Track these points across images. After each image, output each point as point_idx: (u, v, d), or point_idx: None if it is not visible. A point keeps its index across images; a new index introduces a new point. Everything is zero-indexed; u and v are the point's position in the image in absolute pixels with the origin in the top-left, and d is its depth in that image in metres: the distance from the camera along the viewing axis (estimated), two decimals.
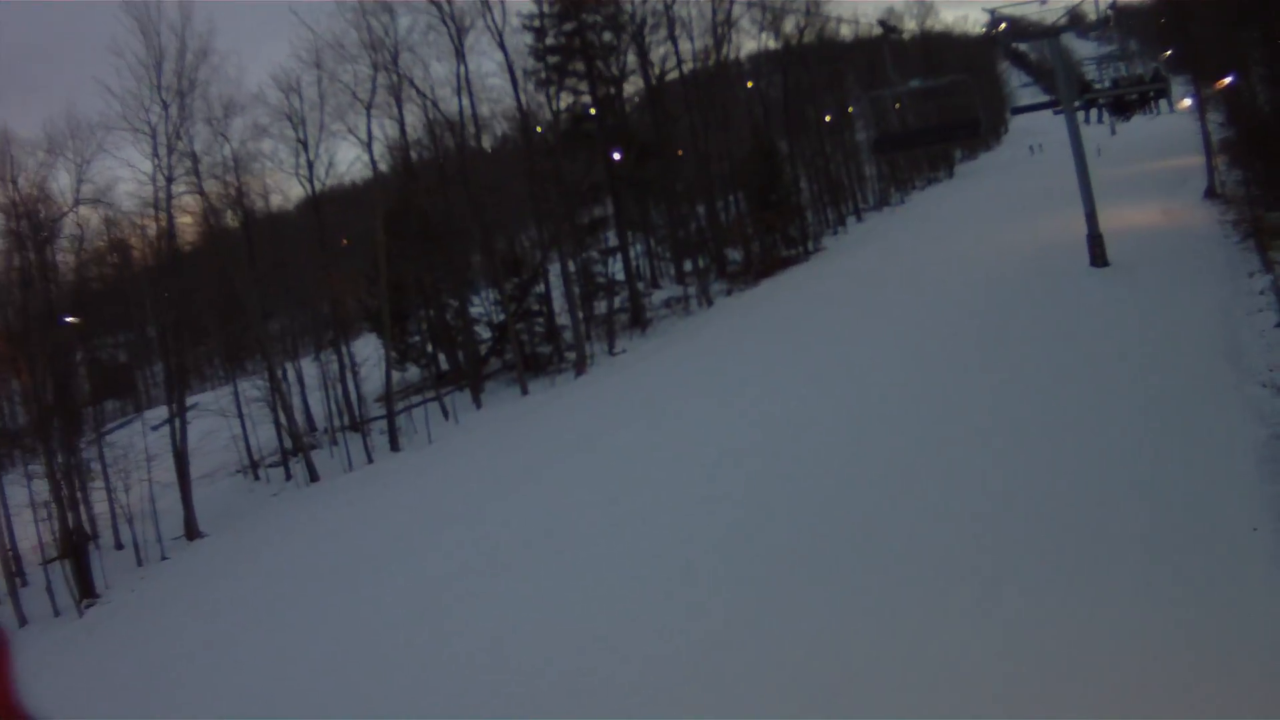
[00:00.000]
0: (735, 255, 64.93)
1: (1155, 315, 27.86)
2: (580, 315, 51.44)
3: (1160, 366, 22.77)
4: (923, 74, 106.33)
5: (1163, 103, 40.70)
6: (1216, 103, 49.86)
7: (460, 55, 49.82)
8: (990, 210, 62.77)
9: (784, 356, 36.99)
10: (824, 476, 21.41)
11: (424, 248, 50.09)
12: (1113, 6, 39.19)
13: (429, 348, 55.18)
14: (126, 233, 50.89)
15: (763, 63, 79.17)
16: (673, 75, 65.36)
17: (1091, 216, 36.94)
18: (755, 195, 66.22)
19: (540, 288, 54.26)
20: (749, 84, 78.98)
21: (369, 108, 48.02)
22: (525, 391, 47.46)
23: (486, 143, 57.33)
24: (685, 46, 66.58)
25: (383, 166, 54.40)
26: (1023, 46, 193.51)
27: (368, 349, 53.77)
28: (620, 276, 57.52)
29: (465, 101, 50.75)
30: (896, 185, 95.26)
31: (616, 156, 55.99)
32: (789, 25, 76.42)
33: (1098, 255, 36.62)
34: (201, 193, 45.52)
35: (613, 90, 59.46)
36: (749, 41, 76.94)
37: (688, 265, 63.24)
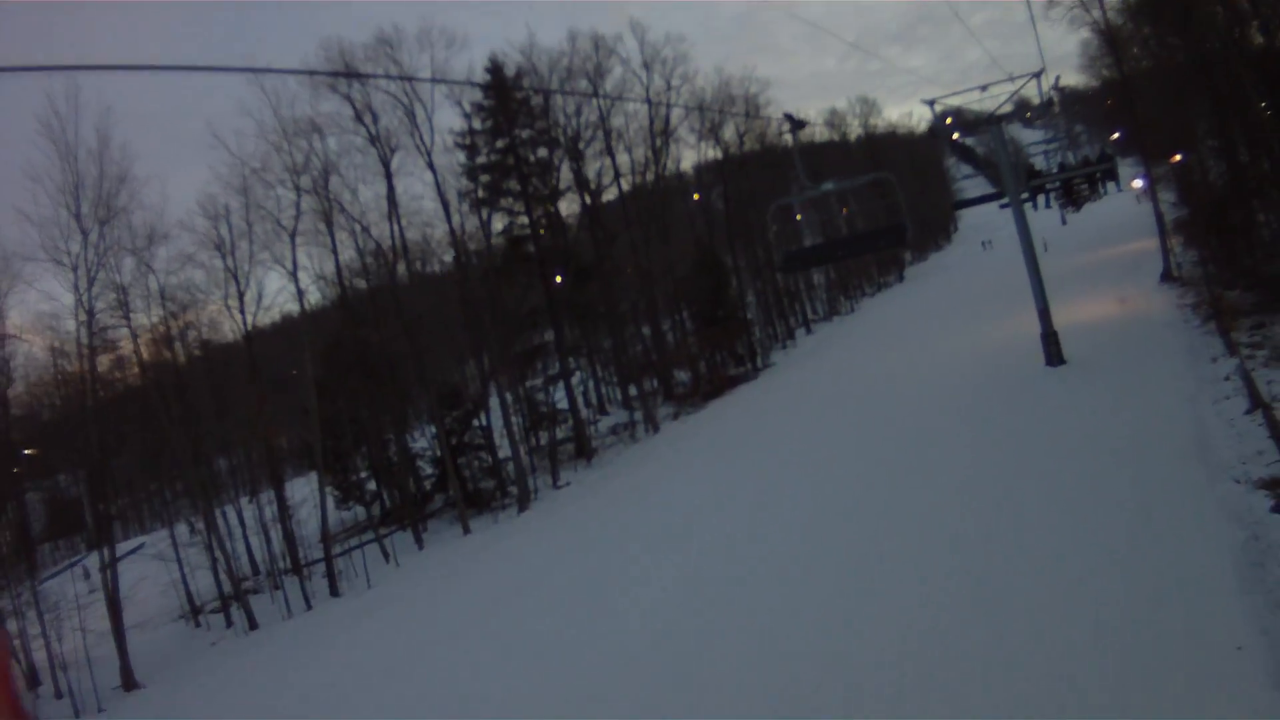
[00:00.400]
0: (684, 375, 63.19)
1: (1117, 412, 26.23)
2: (522, 448, 49.38)
3: (1125, 468, 21.12)
4: (867, 171, 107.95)
5: (1111, 185, 38.92)
6: (1167, 182, 49.13)
7: (389, 178, 48.41)
8: (942, 313, 61.72)
9: (731, 481, 35.00)
10: (772, 608, 19.72)
11: (362, 381, 48.10)
12: (1056, 88, 37.61)
13: (372, 485, 52.57)
14: (46, 371, 47.78)
15: (705, 174, 77.80)
16: (611, 191, 64.07)
17: (1044, 314, 35.33)
18: (700, 312, 64.51)
19: (481, 420, 51.75)
20: (695, 196, 77.58)
21: (293, 235, 45.87)
22: (467, 530, 45.08)
23: (422, 267, 55.07)
24: (623, 160, 65.54)
25: (315, 296, 52.23)
26: (968, 140, 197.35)
27: (309, 488, 50.92)
28: (565, 404, 55.43)
29: (395, 227, 49.49)
30: (846, 293, 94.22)
31: (557, 279, 53.95)
32: (729, 133, 75.48)
33: (1054, 354, 34.89)
34: (129, 327, 43.21)
35: (550, 209, 57.67)
36: (689, 152, 74.53)
37: (635, 389, 61.21)
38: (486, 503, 48.56)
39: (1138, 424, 24.24)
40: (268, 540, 47.15)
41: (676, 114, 67.54)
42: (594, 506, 41.17)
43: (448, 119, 70.66)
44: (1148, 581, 14.93)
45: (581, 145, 60.61)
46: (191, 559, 44.87)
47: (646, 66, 64.81)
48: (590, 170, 62.58)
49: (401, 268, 50.31)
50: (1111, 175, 37.74)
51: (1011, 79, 37.98)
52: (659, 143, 66.00)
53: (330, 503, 48.45)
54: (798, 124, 24.76)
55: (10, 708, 2.71)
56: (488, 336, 50.22)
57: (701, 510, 31.69)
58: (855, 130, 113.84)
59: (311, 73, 47.13)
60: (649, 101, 64.56)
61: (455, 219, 51.52)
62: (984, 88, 38.18)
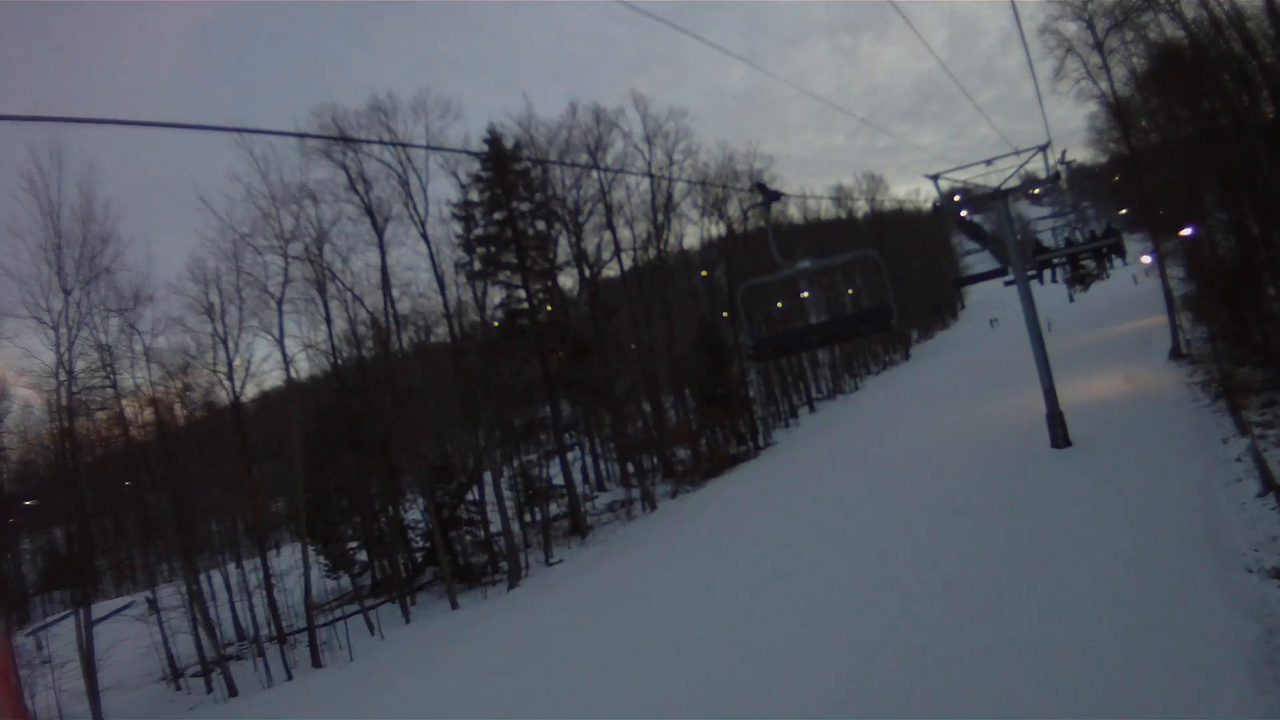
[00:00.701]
0: (685, 453, 62.03)
1: (1123, 498, 25.04)
2: (515, 524, 48.26)
3: (1133, 557, 20.02)
4: (874, 248, 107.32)
5: (1117, 261, 38.19)
6: (1176, 257, 48.33)
7: (381, 247, 47.88)
8: (947, 392, 60.64)
9: (726, 566, 33.60)
10: (760, 700, 18.70)
11: (354, 452, 47.06)
12: (1063, 162, 36.78)
13: (363, 555, 51.01)
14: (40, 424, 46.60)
15: (708, 250, 77.08)
16: (612, 266, 63.23)
17: (1050, 395, 34.32)
18: (701, 390, 63.38)
19: (475, 494, 50.37)
20: (703, 273, 76.81)
21: (280, 303, 44.56)
22: (455, 605, 43.73)
23: (416, 339, 54.05)
24: (625, 234, 64.82)
25: (306, 365, 51.44)
26: (975, 217, 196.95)
27: (297, 555, 49.62)
28: (563, 480, 54.24)
29: (388, 300, 48.73)
30: (851, 372, 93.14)
31: (557, 354, 53.07)
32: (733, 209, 74.87)
33: (1059, 436, 33.85)
34: (114, 388, 41.82)
35: (548, 283, 56.85)
36: (692, 228, 73.85)
37: (633, 466, 60.12)
38: (478, 578, 47.13)
39: (1145, 510, 23.18)
40: (251, 607, 45.49)
41: (679, 189, 67.10)
42: (585, 586, 39.92)
43: (444, 189, 70.04)
44: (1156, 683, 13.87)
45: (581, 219, 59.87)
46: (174, 622, 43.09)
47: (649, 140, 64.36)
48: (591, 244, 61.99)
49: (395, 339, 49.15)
50: (1118, 250, 37.04)
51: (1017, 153, 37.09)
52: (660, 218, 65.35)
53: (318, 571, 47.47)
54: (770, 195, 23.09)
55: (13, 708, 2.67)
56: (482, 410, 49.09)
57: (694, 595, 30.41)
58: (862, 207, 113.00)
59: (301, 135, 46.63)
60: (650, 175, 64.00)
61: (451, 291, 50.90)
62: (989, 162, 37.16)
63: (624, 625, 29.50)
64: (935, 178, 37.51)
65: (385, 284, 47.96)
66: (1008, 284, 38.74)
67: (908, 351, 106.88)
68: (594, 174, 59.94)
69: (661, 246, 65.36)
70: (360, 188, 47.82)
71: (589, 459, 62.45)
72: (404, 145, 48.61)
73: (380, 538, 49.64)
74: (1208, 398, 35.24)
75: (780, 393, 77.78)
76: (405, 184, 48.35)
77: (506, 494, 49.43)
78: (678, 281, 72.08)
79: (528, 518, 52.26)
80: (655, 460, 60.95)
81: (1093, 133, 59.75)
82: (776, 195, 19.43)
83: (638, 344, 61.54)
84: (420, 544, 50.85)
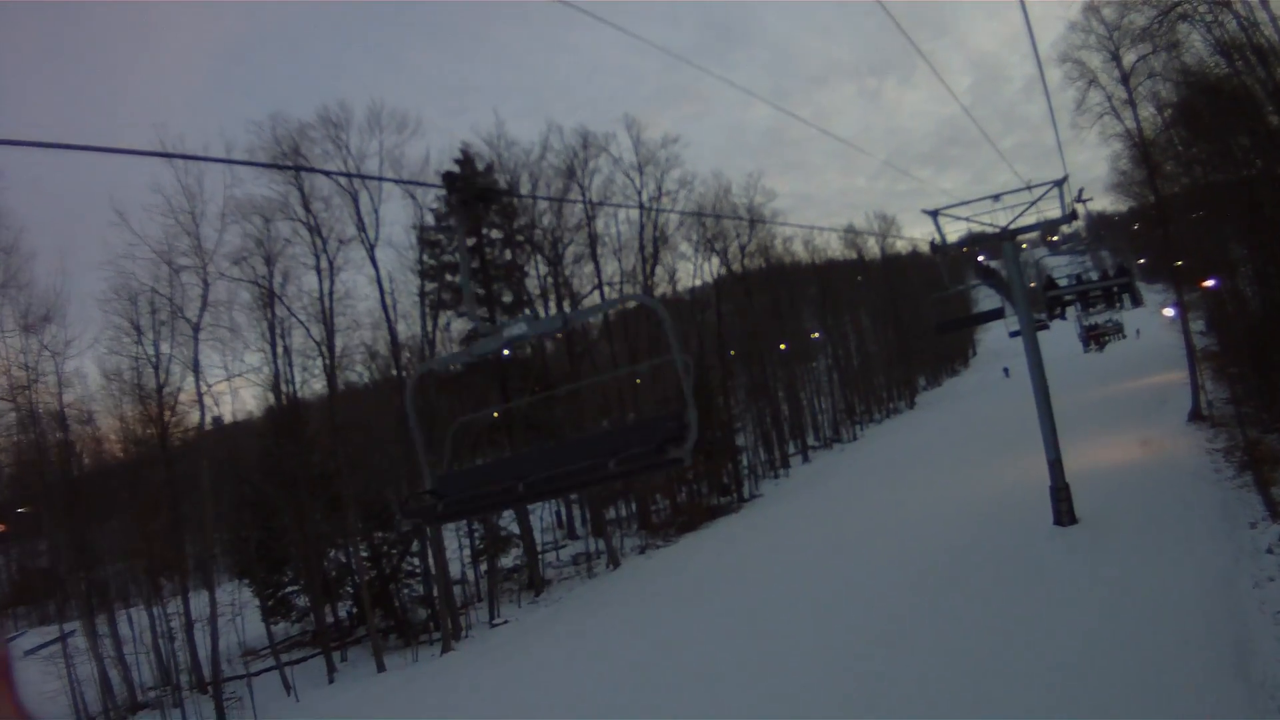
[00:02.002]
0: (666, 500, 57.65)
1: (1134, 595, 21.38)
2: (465, 576, 44.32)
3: (1142, 678, 16.76)
4: (884, 292, 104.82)
5: (1131, 322, 34.73)
6: (1198, 309, 44.68)
7: (323, 271, 43.77)
8: (947, 448, 56.14)
9: (680, 643, 29.69)
10: None
11: (291, 491, 42.67)
12: (1081, 200, 32.55)
13: (303, 600, 46.34)
14: None
15: (705, 289, 72.52)
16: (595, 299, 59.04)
17: (1055, 466, 29.86)
18: None
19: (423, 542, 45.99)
20: (717, 308, 72.30)
21: (196, 329, 39.41)
22: (381, 668, 39.28)
23: (370, 372, 49.90)
24: (612, 267, 60.56)
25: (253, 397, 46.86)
26: (992, 263, 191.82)
27: (236, 596, 45.45)
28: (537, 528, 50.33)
29: (330, 325, 44.23)
30: (853, 418, 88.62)
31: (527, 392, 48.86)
32: (729, 245, 70.73)
33: (1063, 511, 29.46)
34: (15, 409, 38.05)
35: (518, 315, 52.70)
36: (686, 264, 69.48)
37: (610, 513, 55.65)
38: (417, 634, 42.71)
39: (1158, 616, 19.55)
40: (161, 652, 41.18)
41: (672, 221, 63.09)
42: (527, 652, 35.84)
43: (400, 211, 65.07)
44: None
45: (561, 249, 55.73)
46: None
47: (640, 168, 60.45)
48: (575, 276, 57.87)
49: (334, 371, 44.91)
50: (1129, 289, 33.41)
51: (1030, 188, 32.46)
52: (649, 250, 61.22)
53: (256, 615, 44.04)
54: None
55: (14, 709, 2.32)
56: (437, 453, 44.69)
57: (639, 673, 27.11)
58: (873, 249, 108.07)
59: (229, 161, 42.58)
60: (640, 207, 60.03)
61: (414, 321, 46.89)
62: (997, 197, 32.54)
63: (560, 703, 26.36)
64: (935, 214, 32.97)
65: (329, 311, 43.80)
66: (1013, 335, 34.78)
67: (913, 400, 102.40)
68: (579, 202, 56.17)
69: (648, 281, 61.15)
70: (311, 206, 43.81)
71: (560, 504, 57.85)
72: (355, 175, 45.34)
73: (325, 583, 45.41)
74: (1232, 468, 31.69)
75: (776, 440, 73.09)
76: (356, 203, 44.32)
77: (456, 545, 45.22)
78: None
79: (481, 570, 48.21)
80: (634, 508, 56.69)
81: (1116, 174, 55.57)
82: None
83: (615, 381, 57.43)
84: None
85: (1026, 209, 32.30)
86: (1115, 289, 33.70)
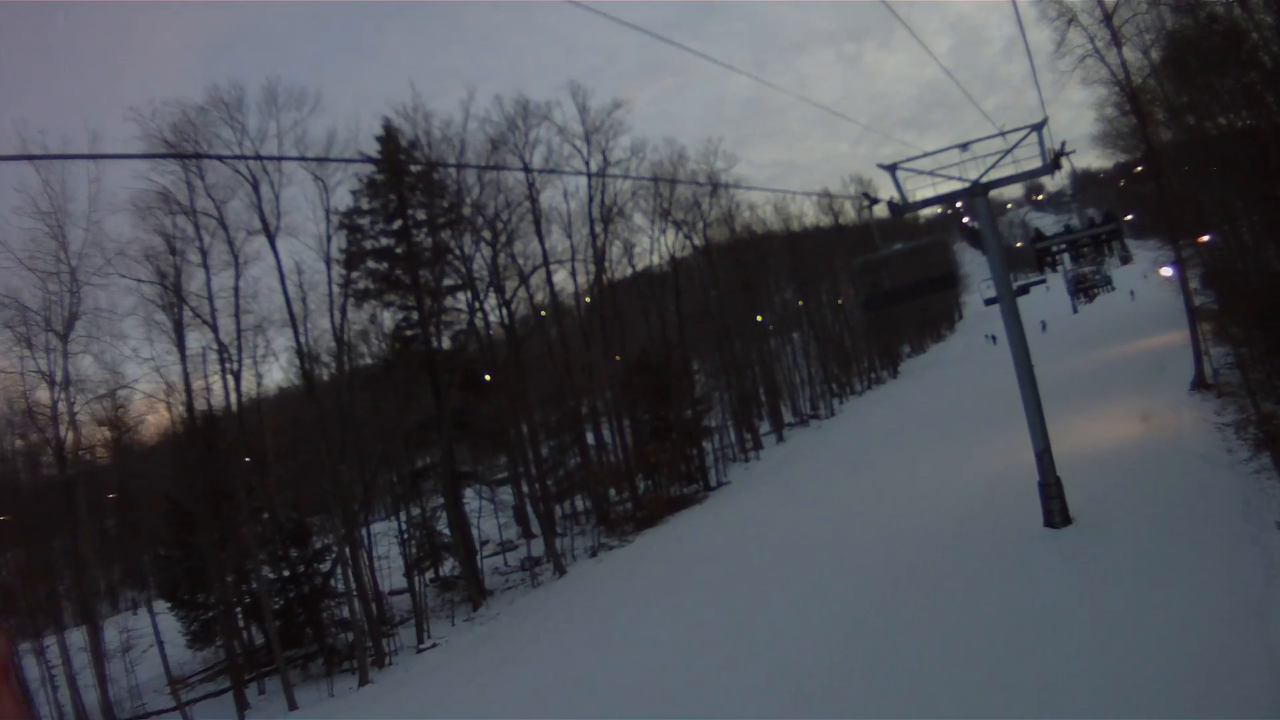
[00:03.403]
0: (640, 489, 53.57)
1: (1141, 617, 17.74)
2: (389, 591, 40.76)
3: None
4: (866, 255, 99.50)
5: (1118, 267, 30.92)
6: (1193, 266, 40.50)
7: (210, 269, 38.62)
8: (929, 423, 51.60)
9: (623, 655, 27.09)
10: None
11: (205, 506, 38.19)
12: (1063, 153, 27.59)
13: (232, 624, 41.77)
14: None
15: (671, 266, 67.71)
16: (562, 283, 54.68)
17: (1044, 457, 25.27)
18: (642, 422, 54.36)
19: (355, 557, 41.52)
20: (675, 282, 67.60)
21: (65, 336, 35.06)
22: (293, 706, 34.84)
23: (288, 375, 44.99)
24: (562, 244, 55.93)
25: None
26: (977, 224, 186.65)
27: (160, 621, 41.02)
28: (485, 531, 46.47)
29: (239, 323, 39.36)
30: (834, 389, 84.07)
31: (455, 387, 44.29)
32: (680, 212, 65.93)
33: (1055, 511, 24.90)
34: None
35: (475, 303, 48.36)
36: (646, 239, 64.40)
37: (570, 507, 52.25)
38: (341, 661, 38.44)
39: (1174, 647, 15.91)
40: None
41: (624, 192, 58.47)
42: (448, 685, 31.65)
43: (301, 198, 59.38)
44: None
45: (500, 228, 50.98)
46: None
47: (586, 136, 55.70)
48: (524, 256, 53.30)
49: (251, 377, 40.35)
50: (1117, 236, 29.20)
51: (1004, 134, 27.28)
52: (599, 227, 56.60)
53: (181, 641, 40.69)
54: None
55: (15, 709, 2.45)
56: (338, 457, 40.58)
57: (571, 705, 23.78)
58: (850, 214, 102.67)
59: (92, 156, 37.71)
60: (588, 174, 55.50)
61: (335, 315, 42.05)
62: (965, 146, 27.48)
63: None
64: (892, 168, 28.02)
65: (236, 309, 39.26)
66: (989, 303, 30.80)
67: (896, 368, 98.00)
68: (521, 177, 51.53)
69: (600, 259, 56.61)
70: (213, 195, 39.06)
71: (502, 506, 53.16)
72: (264, 157, 39.88)
73: (247, 606, 40.96)
74: (1246, 447, 27.15)
75: (747, 417, 68.54)
76: (256, 190, 39.60)
77: (385, 556, 40.88)
78: (630, 300, 63.40)
79: (430, 578, 44.11)
80: (590, 505, 52.40)
81: (1102, 123, 50.74)
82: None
83: (570, 370, 53.02)
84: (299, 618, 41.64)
85: (1001, 158, 27.18)
86: (1104, 237, 29.25)
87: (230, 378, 39.63)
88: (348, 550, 39.31)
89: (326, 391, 43.00)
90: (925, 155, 27.84)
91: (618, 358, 57.33)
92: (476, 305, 49.18)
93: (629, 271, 63.23)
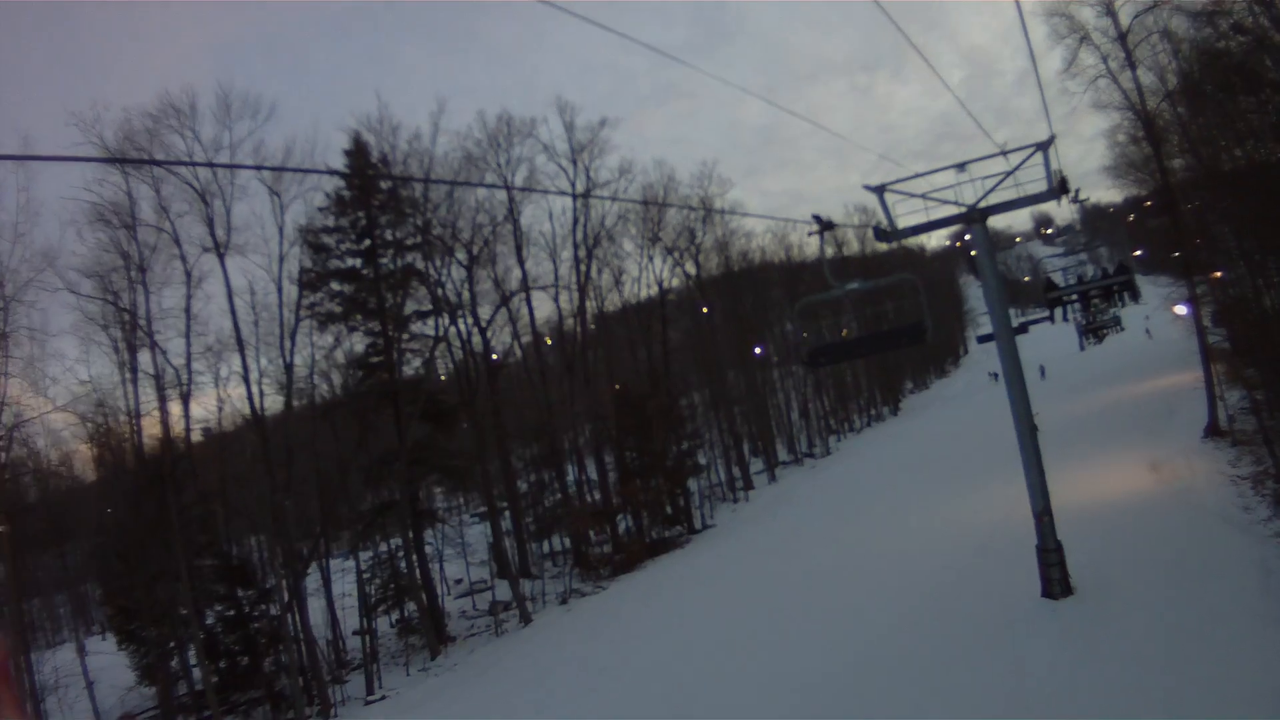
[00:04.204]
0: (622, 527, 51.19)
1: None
2: (347, 632, 37.49)
3: None
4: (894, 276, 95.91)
5: (1129, 314, 28.89)
6: (1206, 303, 38.19)
7: (148, 289, 36.29)
8: (925, 467, 48.66)
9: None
10: None
11: (153, 540, 35.99)
12: (1077, 200, 25.01)
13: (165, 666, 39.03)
14: None
15: (660, 295, 65.17)
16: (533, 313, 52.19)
17: (1044, 519, 22.41)
18: (624, 460, 51.72)
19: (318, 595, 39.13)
20: (661, 313, 64.95)
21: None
22: None
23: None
24: (545, 268, 53.61)
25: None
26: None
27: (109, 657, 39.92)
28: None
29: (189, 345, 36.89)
30: (832, 426, 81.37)
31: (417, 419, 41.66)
32: (670, 235, 63.21)
33: (1054, 581, 22.09)
34: None
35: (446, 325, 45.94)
36: (632, 265, 61.95)
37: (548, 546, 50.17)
38: (284, 711, 35.73)
39: None
40: None
41: (611, 215, 55.98)
42: None
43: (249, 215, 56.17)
44: None
45: (476, 251, 48.50)
46: None
47: (573, 156, 53.36)
48: (506, 281, 50.89)
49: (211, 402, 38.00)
50: (1129, 288, 26.81)
51: (1005, 153, 24.33)
52: (581, 252, 54.11)
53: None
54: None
55: (14, 709, 2.54)
56: (323, 489, 38.19)
57: None
58: (856, 244, 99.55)
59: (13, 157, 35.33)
60: (573, 195, 53.02)
61: (287, 343, 39.51)
62: (962, 166, 24.62)
63: None
64: (880, 190, 25.27)
65: (187, 330, 36.88)
66: (982, 340, 28.25)
67: (896, 405, 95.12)
68: (503, 197, 49.20)
69: (584, 281, 54.14)
70: (165, 209, 36.99)
71: (495, 540, 50.37)
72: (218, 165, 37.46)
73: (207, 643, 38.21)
74: (1264, 504, 24.82)
75: (737, 455, 65.78)
76: (206, 203, 37.19)
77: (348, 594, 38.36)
78: (617, 331, 60.99)
79: (396, 618, 41.78)
80: (567, 547, 49.82)
81: (1114, 152, 48.24)
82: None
83: (549, 403, 50.42)
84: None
85: (1002, 180, 24.28)
86: (1116, 287, 27.23)
87: (179, 403, 37.38)
88: (289, 592, 36.65)
89: (278, 422, 40.47)
90: (917, 176, 24.97)
91: (617, 386, 54.84)
92: (443, 331, 46.51)
93: (619, 301, 60.94)
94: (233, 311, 37.69)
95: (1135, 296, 31.39)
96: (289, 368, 38.88)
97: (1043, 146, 23.32)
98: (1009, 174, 23.75)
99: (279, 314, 38.87)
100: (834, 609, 27.24)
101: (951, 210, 24.40)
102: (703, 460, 59.97)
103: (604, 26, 11.46)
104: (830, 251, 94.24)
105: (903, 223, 25.05)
